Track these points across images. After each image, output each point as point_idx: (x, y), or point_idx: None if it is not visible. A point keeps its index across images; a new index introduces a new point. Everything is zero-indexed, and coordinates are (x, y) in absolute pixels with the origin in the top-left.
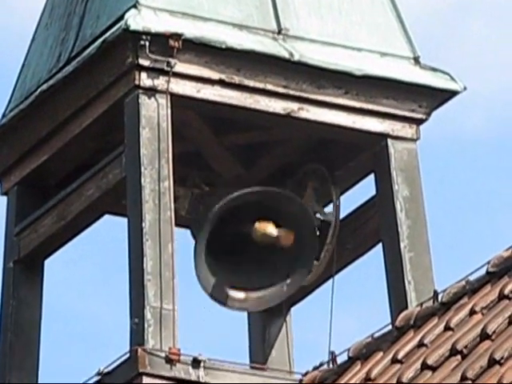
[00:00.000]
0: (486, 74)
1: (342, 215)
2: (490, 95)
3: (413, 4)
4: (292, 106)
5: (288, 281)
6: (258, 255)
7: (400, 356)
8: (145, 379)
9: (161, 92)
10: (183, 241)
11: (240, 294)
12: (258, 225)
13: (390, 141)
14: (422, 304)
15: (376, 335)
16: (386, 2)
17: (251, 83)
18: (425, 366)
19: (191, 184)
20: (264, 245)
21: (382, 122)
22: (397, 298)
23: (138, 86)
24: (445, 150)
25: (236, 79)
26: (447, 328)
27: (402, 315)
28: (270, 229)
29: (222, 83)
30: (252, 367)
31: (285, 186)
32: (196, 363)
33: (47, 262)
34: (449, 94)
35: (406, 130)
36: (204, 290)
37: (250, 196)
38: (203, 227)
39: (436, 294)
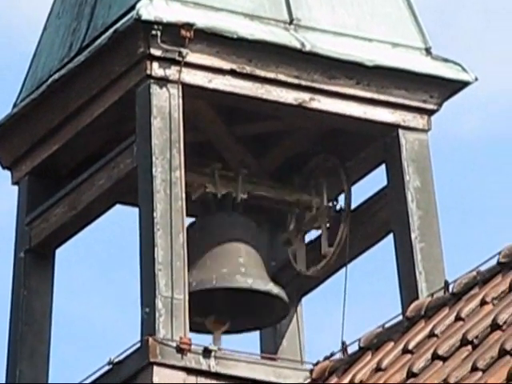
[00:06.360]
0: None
1: (353, 206)
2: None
3: None
4: (303, 97)
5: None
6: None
7: (411, 346)
8: (156, 368)
9: (172, 82)
10: None
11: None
12: None
13: (401, 131)
14: (432, 294)
15: (387, 325)
16: None
17: (262, 73)
18: (435, 356)
19: (206, 173)
20: None
21: (394, 113)
22: (408, 288)
23: (150, 76)
24: (455, 141)
25: (247, 69)
26: (458, 318)
27: (412, 305)
28: None
29: (233, 73)
30: (263, 357)
31: (296, 176)
32: (207, 353)
33: (58, 252)
34: (460, 85)
35: (418, 121)
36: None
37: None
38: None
39: (447, 284)
